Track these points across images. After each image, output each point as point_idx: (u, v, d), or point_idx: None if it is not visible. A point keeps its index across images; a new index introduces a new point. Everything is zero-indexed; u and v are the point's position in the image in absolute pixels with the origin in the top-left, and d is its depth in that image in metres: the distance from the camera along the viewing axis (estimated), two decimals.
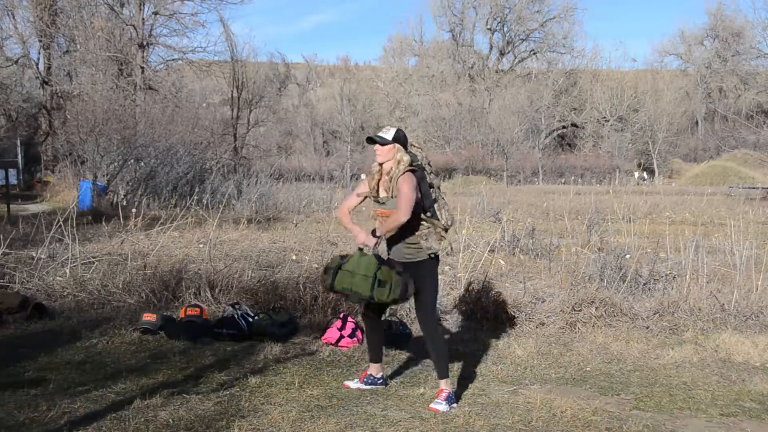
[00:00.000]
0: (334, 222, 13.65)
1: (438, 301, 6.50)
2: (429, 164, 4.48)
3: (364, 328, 4.86)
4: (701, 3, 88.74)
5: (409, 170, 4.30)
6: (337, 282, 4.35)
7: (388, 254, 4.51)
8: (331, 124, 49.73)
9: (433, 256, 4.37)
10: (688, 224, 14.41)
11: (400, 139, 4.38)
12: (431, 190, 4.42)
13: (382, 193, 4.42)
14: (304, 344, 5.65)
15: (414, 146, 4.50)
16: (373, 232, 4.35)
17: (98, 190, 17.02)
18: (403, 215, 4.21)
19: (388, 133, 4.38)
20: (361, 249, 4.39)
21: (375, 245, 4.38)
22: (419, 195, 4.30)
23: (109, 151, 17.94)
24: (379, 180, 4.45)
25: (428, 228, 4.38)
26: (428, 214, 4.40)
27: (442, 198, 4.50)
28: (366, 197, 4.57)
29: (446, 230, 4.47)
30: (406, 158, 4.33)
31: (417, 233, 4.34)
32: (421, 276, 4.34)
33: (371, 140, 4.42)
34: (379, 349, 4.70)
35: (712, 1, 69.70)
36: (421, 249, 4.34)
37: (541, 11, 52.64)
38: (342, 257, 4.46)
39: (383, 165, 4.41)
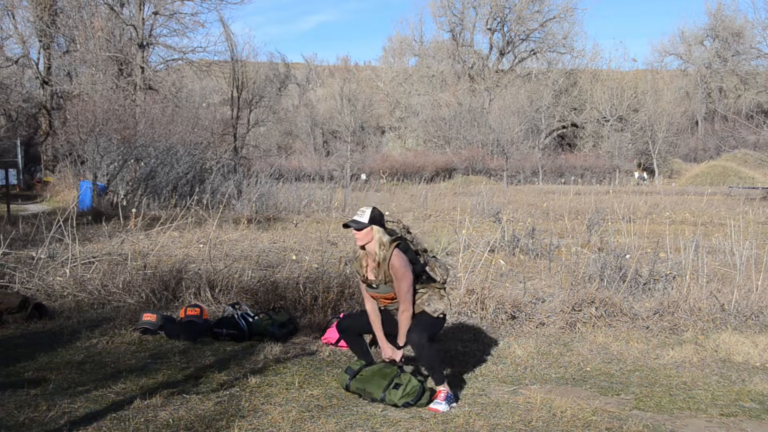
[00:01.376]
0: (334, 222, 13.66)
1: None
2: (408, 231, 4.51)
3: (346, 342, 4.87)
4: (701, 3, 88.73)
5: (395, 248, 4.32)
6: (352, 383, 4.42)
7: None
8: (331, 124, 49.71)
9: (441, 316, 4.42)
10: (688, 224, 14.42)
11: (376, 218, 4.36)
12: (417, 257, 4.44)
13: (371, 277, 4.43)
14: (304, 344, 5.65)
15: (389, 221, 4.49)
16: (396, 345, 4.42)
17: (98, 190, 17.02)
18: (410, 307, 4.31)
19: (363, 216, 4.35)
20: (384, 361, 4.50)
21: (401, 358, 4.46)
22: (411, 268, 4.34)
23: (109, 151, 17.95)
24: (366, 266, 4.47)
25: (427, 293, 4.41)
26: (422, 278, 4.43)
27: (433, 257, 4.52)
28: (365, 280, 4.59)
29: (444, 286, 4.50)
30: (386, 239, 4.34)
31: (417, 302, 4.38)
32: (424, 318, 4.39)
33: (347, 226, 4.41)
34: (366, 351, 4.74)
35: (712, 1, 69.85)
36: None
37: (541, 11, 52.63)
38: (366, 364, 4.50)
39: (365, 247, 4.41)
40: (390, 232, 4.41)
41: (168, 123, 20.11)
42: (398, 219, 4.59)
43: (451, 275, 4.66)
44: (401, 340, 4.39)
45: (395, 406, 4.24)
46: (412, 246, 4.45)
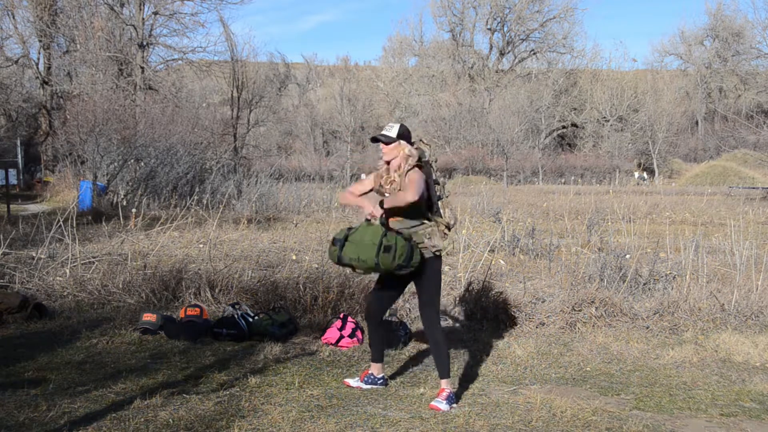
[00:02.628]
0: (334, 222, 13.65)
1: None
2: (436, 161, 4.48)
3: (367, 329, 4.85)
4: (701, 3, 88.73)
5: (417, 165, 4.31)
6: (344, 253, 4.29)
7: None
8: (331, 124, 49.70)
9: (437, 254, 4.36)
10: (688, 224, 14.42)
11: (405, 134, 4.37)
12: (437, 187, 4.42)
13: (387, 187, 4.40)
14: (304, 344, 5.65)
15: (423, 142, 4.47)
16: (381, 204, 4.32)
17: (98, 190, 17.02)
18: (410, 195, 4.19)
19: (392, 130, 4.36)
20: (368, 220, 4.35)
21: (381, 215, 4.34)
22: (426, 190, 4.29)
23: (109, 151, 17.95)
24: (385, 177, 4.44)
25: (431, 225, 4.36)
26: (433, 209, 4.40)
27: (447, 196, 4.49)
28: (370, 191, 4.55)
29: (449, 228, 4.45)
30: (415, 153, 4.33)
31: (420, 231, 4.32)
32: (424, 274, 4.34)
33: (375, 140, 4.40)
34: (381, 348, 4.70)
35: (712, 1, 69.80)
36: (425, 247, 4.32)
37: (541, 11, 52.64)
38: (349, 228, 4.40)
39: (390, 163, 4.39)
40: (419, 152, 4.36)
41: (168, 123, 20.10)
42: (431, 144, 4.54)
43: (457, 221, 4.61)
44: (387, 203, 4.29)
45: (389, 270, 4.17)
46: (434, 174, 4.41)
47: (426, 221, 4.36)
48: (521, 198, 22.43)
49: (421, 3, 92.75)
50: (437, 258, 4.39)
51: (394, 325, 5.78)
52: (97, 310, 6.76)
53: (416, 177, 4.25)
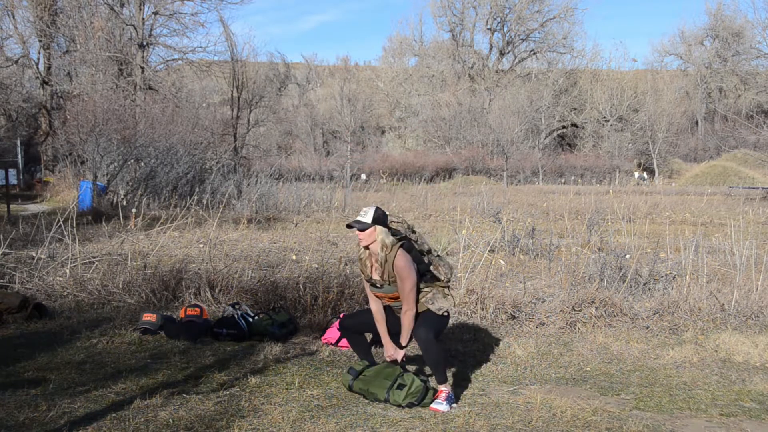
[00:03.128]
0: (334, 222, 13.66)
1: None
2: (413, 231, 4.50)
3: (348, 341, 4.86)
4: (701, 3, 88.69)
5: (399, 247, 4.31)
6: (355, 384, 4.42)
7: None
8: (331, 124, 49.71)
9: (445, 314, 4.43)
10: (688, 224, 14.42)
11: (379, 218, 4.34)
12: (422, 256, 4.44)
13: (375, 277, 4.43)
14: (304, 344, 5.65)
15: (393, 221, 4.48)
16: (399, 344, 4.43)
17: (98, 190, 17.02)
18: (413, 306, 4.30)
19: (366, 216, 4.34)
20: (386, 361, 4.51)
21: (403, 358, 4.47)
22: (416, 268, 4.34)
23: (109, 151, 17.95)
24: (371, 266, 4.46)
25: (431, 292, 4.41)
26: (427, 277, 4.45)
27: (437, 257, 4.51)
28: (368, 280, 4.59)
29: (448, 285, 4.50)
30: (389, 240, 4.33)
31: (422, 301, 4.38)
32: (431, 318, 4.39)
33: (350, 227, 4.40)
34: (368, 351, 4.75)
35: (712, 1, 69.81)
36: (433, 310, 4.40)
37: (541, 11, 52.68)
38: (368, 365, 4.50)
39: (369, 248, 4.41)
40: (394, 232, 4.40)
41: (168, 123, 20.11)
42: (402, 219, 4.57)
43: (454, 273, 4.67)
44: (403, 339, 4.39)
45: (399, 406, 4.23)
46: (416, 246, 4.44)
47: (424, 290, 4.40)
48: (521, 198, 22.44)
49: (421, 3, 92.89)
50: (446, 317, 4.47)
51: None
52: (97, 310, 6.76)
53: (403, 263, 4.26)
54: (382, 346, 4.73)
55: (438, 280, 4.48)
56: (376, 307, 4.54)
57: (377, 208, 4.38)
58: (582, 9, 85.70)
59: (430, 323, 4.34)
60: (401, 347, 4.44)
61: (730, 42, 53.43)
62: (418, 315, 4.37)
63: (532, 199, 21.96)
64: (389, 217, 4.45)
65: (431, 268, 4.46)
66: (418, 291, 4.37)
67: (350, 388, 4.45)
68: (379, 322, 4.53)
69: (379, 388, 4.30)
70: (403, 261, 4.27)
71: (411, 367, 4.86)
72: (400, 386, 4.26)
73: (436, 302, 4.39)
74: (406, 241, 4.40)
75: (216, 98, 38.24)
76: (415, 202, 19.90)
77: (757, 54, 52.62)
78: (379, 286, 4.42)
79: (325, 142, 50.46)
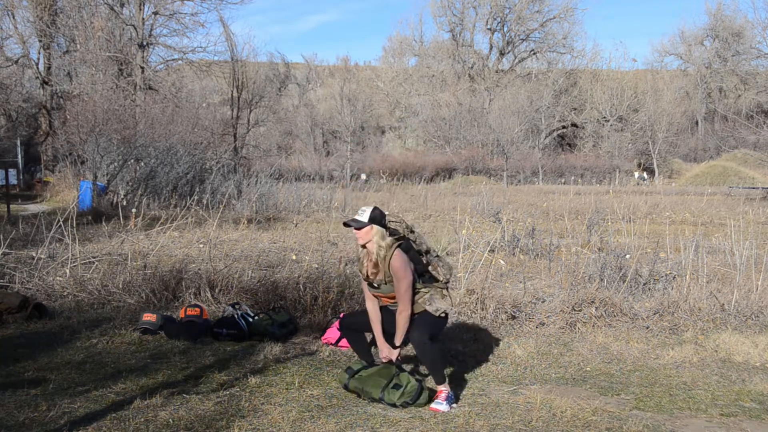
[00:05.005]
0: (334, 222, 13.66)
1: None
2: (412, 231, 4.48)
3: (348, 340, 4.86)
4: (701, 3, 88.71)
5: (397, 247, 4.30)
6: (350, 383, 4.42)
7: None
8: (331, 124, 49.73)
9: (443, 315, 4.41)
10: (688, 224, 14.42)
11: (376, 218, 4.33)
12: (420, 257, 4.43)
13: (372, 276, 4.43)
14: (304, 344, 5.65)
15: (392, 221, 4.46)
16: (393, 345, 4.42)
17: (98, 190, 17.02)
18: (408, 307, 4.29)
19: (364, 215, 4.34)
20: (383, 362, 4.50)
21: (398, 357, 4.47)
22: (413, 268, 4.34)
23: (109, 151, 17.95)
24: (368, 265, 4.45)
25: (428, 292, 4.40)
26: (425, 277, 4.44)
27: (436, 257, 4.50)
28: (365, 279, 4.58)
29: (447, 285, 4.49)
30: (387, 241, 4.32)
31: (419, 301, 4.37)
32: (428, 321, 4.38)
33: (347, 225, 4.40)
34: (367, 350, 4.74)
35: (712, 1, 69.81)
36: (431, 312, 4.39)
37: (541, 11, 52.68)
38: (365, 365, 4.51)
39: (366, 246, 4.41)
40: (392, 232, 4.39)
41: (168, 123, 20.11)
42: (401, 218, 4.55)
43: (453, 272, 4.65)
44: (398, 340, 4.39)
45: (393, 405, 4.23)
46: (414, 246, 4.43)
47: (421, 290, 4.39)
48: (521, 198, 22.44)
49: (421, 3, 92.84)
50: (444, 318, 4.45)
51: None
52: (97, 310, 6.76)
53: (399, 264, 4.26)
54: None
55: (436, 280, 4.47)
56: (372, 307, 4.54)
57: (375, 208, 4.37)
58: (582, 9, 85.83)
59: (426, 326, 4.32)
60: (395, 347, 4.43)
61: (730, 42, 53.44)
62: (414, 316, 4.36)
63: (532, 199, 21.96)
64: (388, 217, 4.43)
65: (429, 268, 4.46)
66: (416, 291, 4.36)
67: (346, 387, 4.45)
68: (374, 323, 4.52)
69: (374, 388, 4.29)
70: (399, 261, 4.26)
71: (408, 366, 4.86)
72: (396, 386, 4.26)
73: (434, 303, 4.37)
74: (404, 241, 4.38)
75: (216, 98, 38.24)
76: (415, 202, 19.90)
77: (757, 54, 52.64)
78: (376, 285, 4.42)
79: (325, 142, 50.47)
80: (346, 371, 4.50)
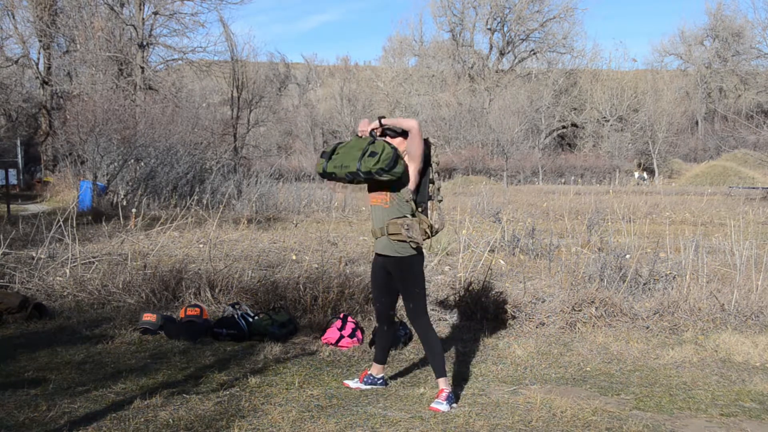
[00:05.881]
0: (334, 222, 13.66)
1: (435, 299, 6.50)
2: (437, 163, 4.42)
3: (378, 329, 4.79)
4: (701, 3, 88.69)
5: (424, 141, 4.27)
6: (329, 164, 4.26)
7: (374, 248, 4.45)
8: (331, 124, 49.73)
9: (413, 246, 4.26)
10: (688, 224, 14.42)
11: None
12: (431, 187, 4.39)
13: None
14: (304, 344, 5.65)
15: (430, 140, 4.40)
16: (380, 119, 4.29)
17: (98, 190, 17.02)
18: (415, 122, 4.22)
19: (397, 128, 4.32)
20: (358, 136, 4.32)
21: (373, 130, 4.30)
22: (422, 166, 4.25)
23: (109, 151, 17.95)
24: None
25: (413, 219, 4.27)
26: (423, 205, 4.37)
27: (439, 200, 4.43)
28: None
29: (432, 230, 4.37)
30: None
31: (398, 222, 4.23)
32: (402, 274, 4.31)
33: (384, 134, 4.32)
34: (386, 349, 4.71)
35: (712, 1, 69.82)
36: (403, 242, 4.24)
37: (541, 11, 52.67)
38: (339, 143, 4.37)
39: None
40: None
41: (168, 123, 20.11)
42: (434, 143, 4.44)
43: (444, 227, 4.53)
44: (386, 120, 4.27)
45: (369, 174, 4.08)
46: (431, 174, 4.36)
47: (407, 215, 4.27)
48: (521, 198, 22.43)
49: (421, 3, 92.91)
50: (417, 255, 4.31)
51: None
52: (97, 310, 6.76)
53: (419, 145, 4.22)
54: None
55: (426, 217, 4.36)
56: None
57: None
58: (582, 9, 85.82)
59: (415, 285, 4.28)
60: (380, 122, 4.30)
61: (730, 42, 53.44)
62: (393, 241, 4.24)
63: (532, 199, 21.95)
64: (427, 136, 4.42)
65: (429, 203, 4.39)
66: (406, 200, 4.24)
67: (324, 171, 4.28)
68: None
69: (351, 160, 4.14)
70: (420, 149, 4.20)
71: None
72: (372, 153, 4.10)
73: (412, 231, 4.21)
74: (428, 148, 4.33)
75: (216, 98, 38.22)
76: None
77: (757, 54, 52.66)
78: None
79: (325, 142, 50.42)
80: (321, 156, 4.32)
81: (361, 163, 4.10)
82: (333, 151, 4.30)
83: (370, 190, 4.38)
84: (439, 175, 4.42)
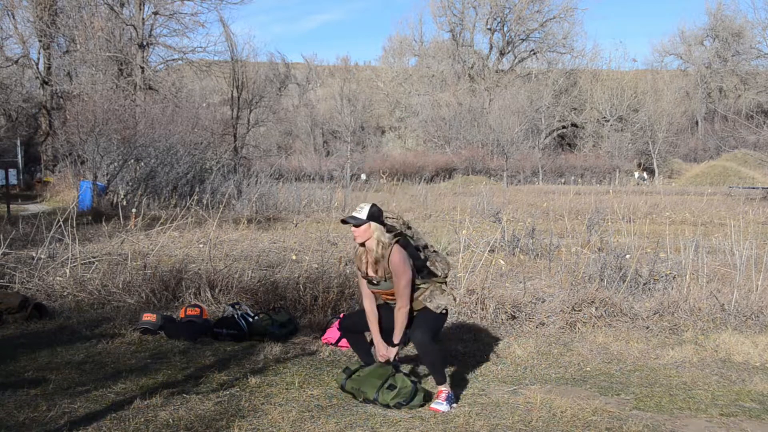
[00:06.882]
0: (334, 222, 13.65)
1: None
2: (409, 227, 4.48)
3: (348, 341, 4.85)
4: (701, 3, 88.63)
5: (395, 243, 4.30)
6: (348, 383, 4.41)
7: None
8: (331, 124, 49.71)
9: (444, 312, 4.40)
10: (688, 224, 14.41)
11: (375, 214, 4.31)
12: (418, 252, 4.42)
13: (372, 273, 4.42)
14: (304, 344, 5.65)
15: (389, 217, 4.46)
16: (391, 343, 4.41)
17: (98, 190, 17.02)
18: (407, 303, 4.29)
19: (362, 212, 4.31)
20: (380, 362, 4.48)
21: (395, 356, 4.45)
22: (412, 264, 4.33)
23: (109, 151, 17.95)
24: (366, 262, 4.43)
25: (429, 289, 4.39)
26: (423, 273, 4.42)
27: (434, 252, 4.49)
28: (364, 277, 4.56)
29: (446, 280, 4.47)
30: (385, 238, 4.30)
31: (419, 298, 4.36)
32: (428, 316, 4.36)
33: (345, 222, 4.38)
34: (368, 351, 4.73)
35: (712, 1, 69.79)
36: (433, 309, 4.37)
37: (541, 11, 52.67)
38: (362, 365, 4.50)
39: (365, 244, 4.38)
40: (389, 229, 4.38)
41: (168, 123, 20.10)
42: (398, 215, 4.55)
43: (452, 270, 4.64)
44: (396, 337, 4.37)
45: (387, 406, 4.22)
46: (412, 242, 4.43)
47: (421, 287, 4.38)
48: (521, 198, 22.42)
49: (421, 3, 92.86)
50: (444, 314, 4.44)
51: None
52: (97, 310, 6.76)
53: (399, 259, 4.25)
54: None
55: (435, 276, 4.46)
56: (369, 306, 4.52)
57: (373, 205, 4.36)
58: (582, 9, 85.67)
59: (427, 324, 4.31)
60: (393, 345, 4.41)
61: (730, 42, 53.43)
62: (414, 313, 4.35)
63: (532, 199, 21.95)
64: (384, 214, 4.43)
65: (428, 263, 4.44)
66: (415, 288, 4.35)
67: (343, 388, 4.44)
68: (371, 322, 4.51)
69: (369, 388, 4.28)
70: (399, 257, 4.25)
71: (406, 367, 4.86)
72: (391, 387, 4.23)
73: (435, 299, 4.35)
74: (402, 237, 4.38)
75: (216, 98, 38.24)
76: (415, 202, 19.89)
77: (757, 54, 52.66)
78: (375, 282, 4.41)
79: (325, 142, 50.46)
80: (344, 371, 4.49)
81: (379, 394, 4.24)
82: (355, 371, 4.44)
83: (369, 283, 4.47)
84: (416, 234, 4.49)
